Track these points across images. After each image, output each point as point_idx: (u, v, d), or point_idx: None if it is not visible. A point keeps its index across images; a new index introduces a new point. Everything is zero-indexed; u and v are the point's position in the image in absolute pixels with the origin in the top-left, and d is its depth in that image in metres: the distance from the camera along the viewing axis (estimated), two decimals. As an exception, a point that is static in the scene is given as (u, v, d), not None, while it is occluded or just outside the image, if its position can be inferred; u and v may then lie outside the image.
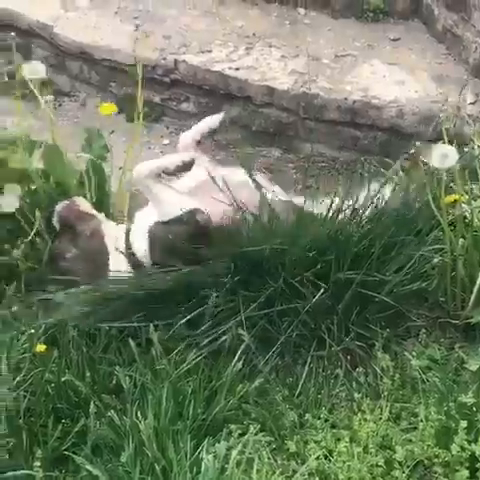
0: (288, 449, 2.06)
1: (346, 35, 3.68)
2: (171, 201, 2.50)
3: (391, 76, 3.41)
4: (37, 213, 2.55)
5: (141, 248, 2.50)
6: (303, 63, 3.37)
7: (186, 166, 2.65)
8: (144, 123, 3.53)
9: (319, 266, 2.32)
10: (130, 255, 2.51)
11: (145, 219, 2.55)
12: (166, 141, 3.44)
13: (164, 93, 3.53)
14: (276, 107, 3.29)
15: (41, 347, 2.19)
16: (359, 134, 3.23)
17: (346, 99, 3.18)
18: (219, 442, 2.00)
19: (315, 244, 2.33)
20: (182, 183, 2.63)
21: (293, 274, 2.31)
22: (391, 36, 3.69)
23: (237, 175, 2.54)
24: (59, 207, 2.59)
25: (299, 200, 2.55)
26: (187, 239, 2.39)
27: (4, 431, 1.91)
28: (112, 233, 2.58)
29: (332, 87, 3.30)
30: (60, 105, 3.63)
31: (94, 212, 2.63)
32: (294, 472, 1.97)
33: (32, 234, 2.56)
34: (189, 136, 2.74)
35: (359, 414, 2.15)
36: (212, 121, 2.76)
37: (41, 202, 2.64)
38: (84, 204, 2.63)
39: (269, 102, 3.29)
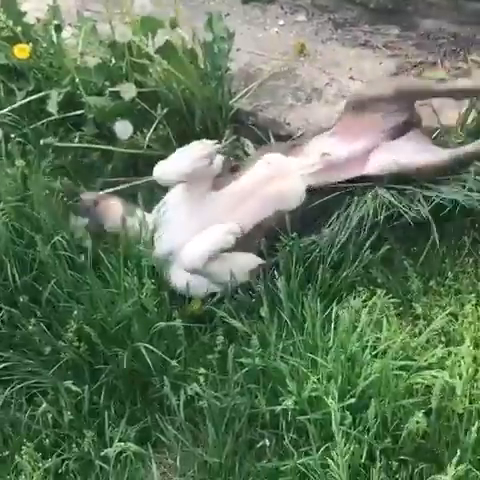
0: (414, 312, 2.16)
1: None
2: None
3: None
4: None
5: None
6: None
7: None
8: (259, 4, 3.55)
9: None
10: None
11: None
12: (281, 22, 3.41)
13: (280, -27, 3.48)
14: (395, -19, 3.20)
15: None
16: (482, 7, 3.11)
17: (470, -31, 3.06)
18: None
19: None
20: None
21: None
22: None
23: None
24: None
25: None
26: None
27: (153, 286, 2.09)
28: None
29: (454, -43, 3.16)
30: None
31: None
32: (420, 333, 2.07)
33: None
34: (197, 257, 2.22)
35: (484, 280, 2.21)
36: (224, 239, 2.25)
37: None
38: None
39: (388, -24, 3.21)
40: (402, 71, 3.05)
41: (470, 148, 2.39)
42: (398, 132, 2.46)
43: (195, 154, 2.33)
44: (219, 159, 2.41)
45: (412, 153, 2.39)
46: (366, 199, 2.33)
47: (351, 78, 3.04)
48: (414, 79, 2.83)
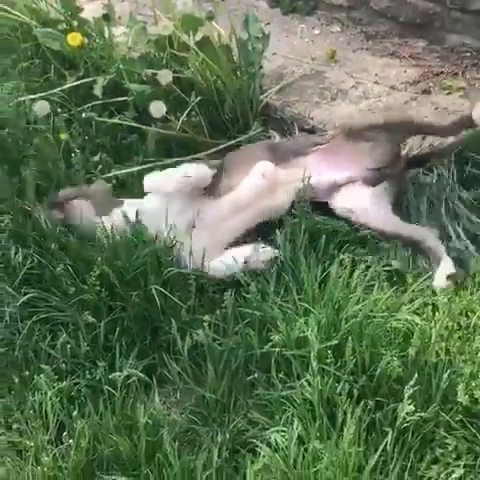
0: (406, 282, 2.33)
1: None
2: None
3: None
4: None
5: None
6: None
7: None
8: (298, 15, 3.83)
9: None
10: None
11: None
12: (317, 31, 3.68)
13: (320, -14, 3.75)
14: (424, -3, 3.42)
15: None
16: (505, 24, 3.29)
17: (493, -13, 3.24)
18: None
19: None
20: None
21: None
22: None
23: None
24: None
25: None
26: None
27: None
28: None
29: (480, -25, 3.33)
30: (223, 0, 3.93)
31: None
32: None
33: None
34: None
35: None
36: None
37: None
38: None
39: (417, -8, 3.43)
40: (424, 79, 3.26)
41: (411, 231, 2.52)
42: (377, 178, 2.62)
43: (180, 179, 2.54)
44: (210, 172, 2.61)
45: (373, 212, 2.55)
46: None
47: (376, 83, 3.26)
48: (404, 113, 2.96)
